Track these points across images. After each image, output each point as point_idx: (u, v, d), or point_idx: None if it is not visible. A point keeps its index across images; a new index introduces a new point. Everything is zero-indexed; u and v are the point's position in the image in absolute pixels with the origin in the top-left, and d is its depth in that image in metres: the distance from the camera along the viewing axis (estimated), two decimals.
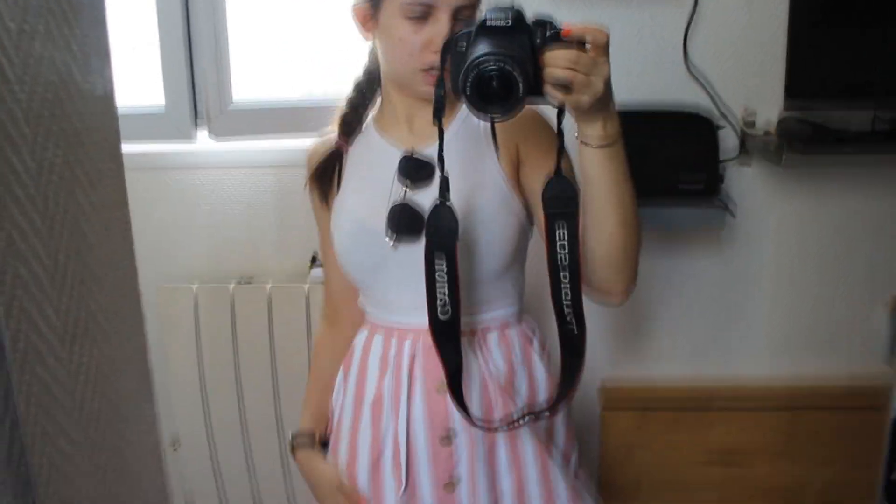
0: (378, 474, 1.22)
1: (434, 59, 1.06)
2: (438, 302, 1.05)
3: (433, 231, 1.04)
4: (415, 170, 1.17)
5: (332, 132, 1.28)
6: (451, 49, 0.97)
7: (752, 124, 1.70)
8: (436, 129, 1.06)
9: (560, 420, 1.27)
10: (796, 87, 1.58)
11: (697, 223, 1.57)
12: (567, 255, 1.02)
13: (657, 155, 1.53)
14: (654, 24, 1.69)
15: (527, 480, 1.22)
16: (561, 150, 1.01)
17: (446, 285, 1.04)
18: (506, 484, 1.20)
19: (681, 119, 1.59)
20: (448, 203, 1.03)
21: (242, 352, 1.89)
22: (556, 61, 0.91)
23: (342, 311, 1.36)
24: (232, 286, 1.88)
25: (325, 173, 1.27)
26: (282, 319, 1.85)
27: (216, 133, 1.87)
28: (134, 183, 1.93)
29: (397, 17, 1.10)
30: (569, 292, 1.04)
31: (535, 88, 0.92)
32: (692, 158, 1.56)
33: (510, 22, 0.93)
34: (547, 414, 1.12)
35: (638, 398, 1.85)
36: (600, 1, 1.69)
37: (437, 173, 1.04)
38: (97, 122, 0.68)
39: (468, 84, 0.90)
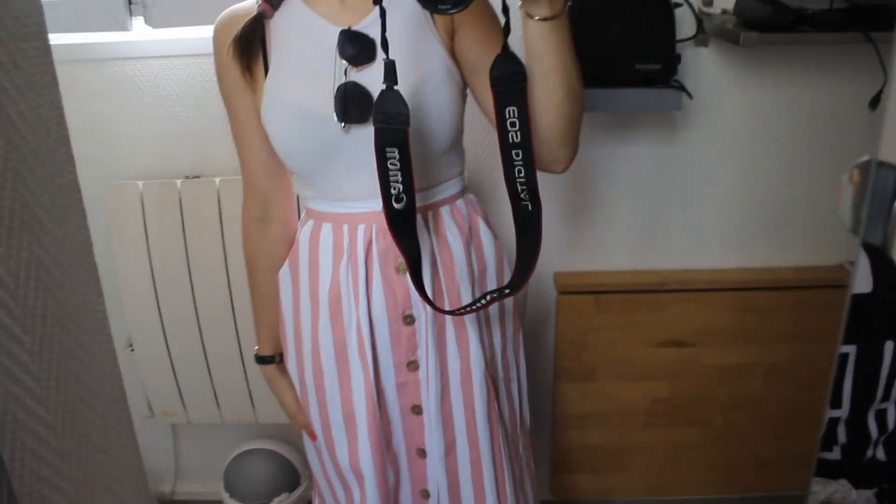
0: (344, 364, 1.22)
1: None
2: (392, 191, 1.02)
3: (381, 119, 0.99)
4: (355, 47, 1.10)
5: (242, 4, 1.19)
6: None
7: (709, 3, 1.66)
8: (367, 3, 1.04)
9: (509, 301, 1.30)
10: None
11: (654, 106, 1.54)
12: (519, 133, 1.01)
13: (614, 37, 1.49)
14: None
15: (495, 356, 1.29)
16: (507, 28, 0.98)
17: (399, 173, 1.01)
18: (454, 361, 1.23)
19: None
20: (395, 87, 0.98)
21: (192, 248, 1.85)
22: None
23: (272, 206, 1.29)
24: (180, 182, 1.82)
25: (248, 43, 1.16)
26: (231, 214, 1.80)
27: (152, 21, 1.77)
28: (72, 77, 1.86)
29: None
30: (522, 170, 1.03)
31: None
32: (648, 40, 1.52)
33: None
34: (508, 291, 1.10)
35: (593, 283, 1.87)
36: None
37: (381, 51, 0.99)
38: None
39: None
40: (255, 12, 1.16)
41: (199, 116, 1.83)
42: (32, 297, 0.66)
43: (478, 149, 1.76)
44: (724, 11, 1.65)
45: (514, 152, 1.02)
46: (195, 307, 1.90)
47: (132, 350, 1.97)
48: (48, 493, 0.67)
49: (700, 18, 1.66)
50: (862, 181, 0.67)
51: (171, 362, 1.96)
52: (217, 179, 1.81)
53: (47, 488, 0.67)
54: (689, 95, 1.60)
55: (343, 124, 1.10)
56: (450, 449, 1.26)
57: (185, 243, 1.85)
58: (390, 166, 1.01)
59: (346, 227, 1.18)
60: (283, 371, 1.35)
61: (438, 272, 1.20)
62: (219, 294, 1.88)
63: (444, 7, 0.89)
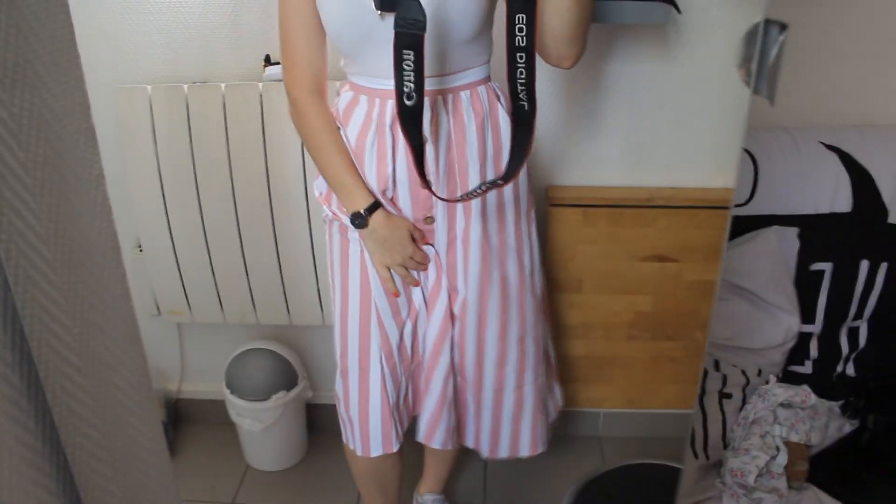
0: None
1: None
2: (405, 89, 1.17)
3: (402, 23, 1.13)
4: None
5: None
6: None
7: None
8: None
9: (523, 182, 1.49)
10: None
11: (643, 17, 1.58)
12: (524, 38, 1.14)
13: None
14: None
15: (505, 228, 1.48)
16: None
17: (413, 73, 1.16)
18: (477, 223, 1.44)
19: None
20: None
21: (199, 153, 1.92)
22: None
23: (320, 78, 1.42)
24: (187, 87, 1.88)
25: None
26: (236, 120, 1.87)
27: None
28: None
29: None
30: (524, 72, 1.17)
31: None
32: None
33: None
34: (501, 182, 1.25)
35: (582, 196, 1.93)
36: None
37: None
38: None
39: None
40: None
41: (206, 24, 1.88)
42: (34, 145, 0.73)
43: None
44: None
45: (518, 55, 1.15)
46: (201, 210, 1.97)
47: (141, 250, 2.06)
48: (47, 320, 0.75)
49: None
50: (751, 39, 0.73)
51: (178, 263, 2.04)
52: (223, 85, 1.87)
53: (47, 316, 0.75)
54: (678, 9, 1.63)
55: (379, 12, 1.23)
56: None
57: (192, 147, 1.91)
58: (405, 66, 1.15)
59: (377, 101, 1.35)
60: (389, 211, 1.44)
61: (452, 150, 1.36)
62: (224, 198, 1.95)
63: None
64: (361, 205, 1.38)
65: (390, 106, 1.33)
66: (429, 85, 1.27)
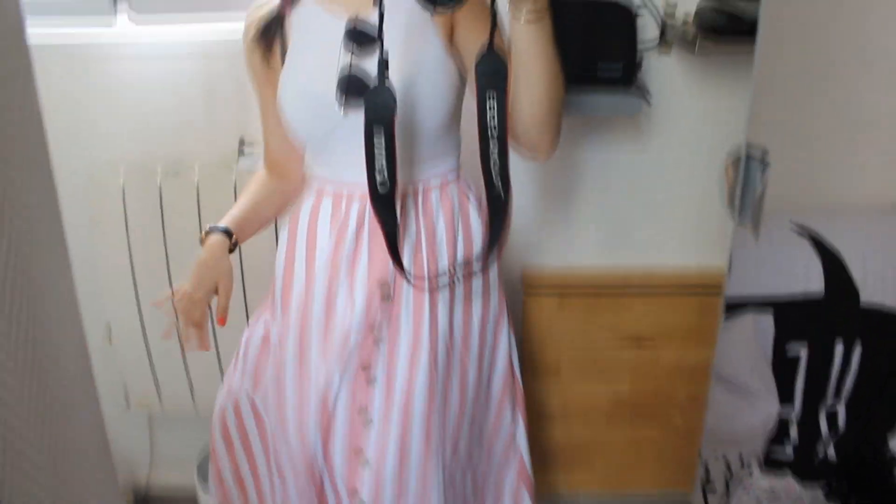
0: (332, 312, 1.33)
1: None
2: (377, 177, 1.14)
3: (371, 109, 1.11)
4: (360, 39, 1.23)
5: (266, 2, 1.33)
6: None
7: (672, 14, 1.73)
8: None
9: (493, 281, 1.40)
10: None
11: (615, 110, 1.61)
12: (496, 123, 1.11)
13: (577, 42, 1.55)
14: None
15: (471, 330, 1.38)
16: (493, 27, 1.08)
17: (384, 159, 1.13)
18: (445, 332, 1.33)
19: (601, 7, 1.60)
20: (386, 83, 1.09)
21: (171, 240, 1.90)
22: None
23: (282, 167, 1.44)
24: (159, 174, 1.87)
25: (267, 34, 1.31)
26: (210, 208, 1.86)
27: (136, 9, 1.81)
28: (57, 68, 1.91)
29: None
30: (496, 159, 1.13)
31: None
32: (611, 46, 1.59)
33: None
34: (476, 269, 1.25)
35: (557, 283, 1.93)
36: None
37: (386, 37, 1.09)
38: None
39: None
40: (275, 8, 1.30)
41: (182, 110, 1.88)
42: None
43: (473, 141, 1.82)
44: (685, 22, 1.72)
45: (491, 142, 1.12)
46: (172, 297, 1.94)
47: (110, 342, 2.01)
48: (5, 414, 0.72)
49: (663, 26, 1.72)
50: (735, 170, 0.73)
51: (149, 353, 2.00)
52: (196, 173, 1.86)
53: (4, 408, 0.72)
54: (648, 101, 1.66)
55: (343, 108, 1.22)
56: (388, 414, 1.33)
57: (164, 233, 1.90)
58: (376, 153, 1.12)
59: (343, 201, 1.31)
60: (227, 245, 1.43)
61: (421, 250, 1.30)
62: None
63: (441, 9, 1.00)
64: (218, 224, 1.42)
65: (356, 207, 1.30)
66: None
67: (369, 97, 1.10)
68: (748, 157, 0.71)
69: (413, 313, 1.30)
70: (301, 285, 1.35)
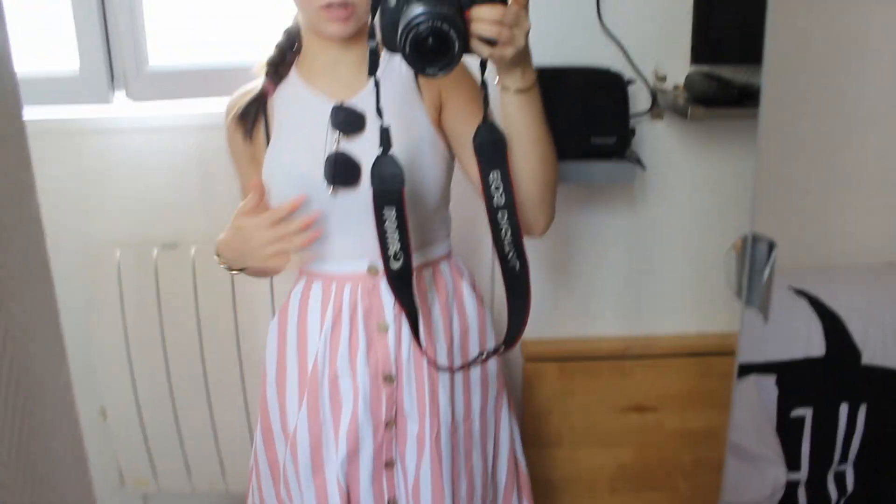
0: (326, 426, 1.29)
1: None
2: (390, 250, 1.12)
3: (378, 181, 1.09)
4: (346, 120, 1.21)
5: (254, 83, 1.31)
6: (382, 2, 1.01)
7: (663, 79, 1.75)
8: (361, 78, 1.17)
9: (492, 363, 1.37)
10: (702, 47, 1.65)
11: (610, 178, 1.62)
12: (503, 196, 1.10)
13: (570, 112, 1.57)
14: None
15: (471, 415, 1.34)
16: (486, 100, 1.09)
17: (397, 233, 1.11)
18: (447, 416, 1.29)
19: (592, 76, 1.63)
20: (390, 151, 1.08)
21: (167, 317, 1.88)
22: (484, 16, 0.98)
23: None
24: (156, 251, 1.87)
25: (251, 116, 1.28)
26: (206, 284, 1.85)
27: (133, 95, 1.85)
28: (52, 148, 1.93)
29: None
30: (508, 230, 1.12)
31: (464, 44, 0.98)
32: (603, 115, 1.61)
33: None
34: (503, 349, 1.19)
35: (558, 350, 1.91)
36: None
37: (370, 119, 1.12)
38: None
39: (407, 43, 0.96)
40: (259, 90, 1.28)
41: (178, 187, 1.89)
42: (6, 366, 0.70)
43: (465, 214, 1.82)
44: (676, 87, 1.74)
45: (499, 214, 1.11)
46: (168, 374, 1.92)
47: (105, 419, 1.98)
48: None
49: (654, 93, 1.75)
50: (742, 252, 0.73)
51: (143, 429, 1.97)
52: (192, 248, 1.86)
53: None
54: (643, 167, 1.67)
55: (332, 189, 1.19)
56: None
57: (160, 310, 1.88)
58: (387, 226, 1.10)
59: (334, 286, 1.27)
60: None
61: (419, 332, 1.24)
62: (192, 362, 1.91)
63: (430, 71, 0.99)
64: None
65: (348, 291, 1.27)
66: None
67: (375, 168, 1.08)
68: (755, 240, 0.71)
69: (416, 397, 1.28)
70: (295, 380, 1.31)
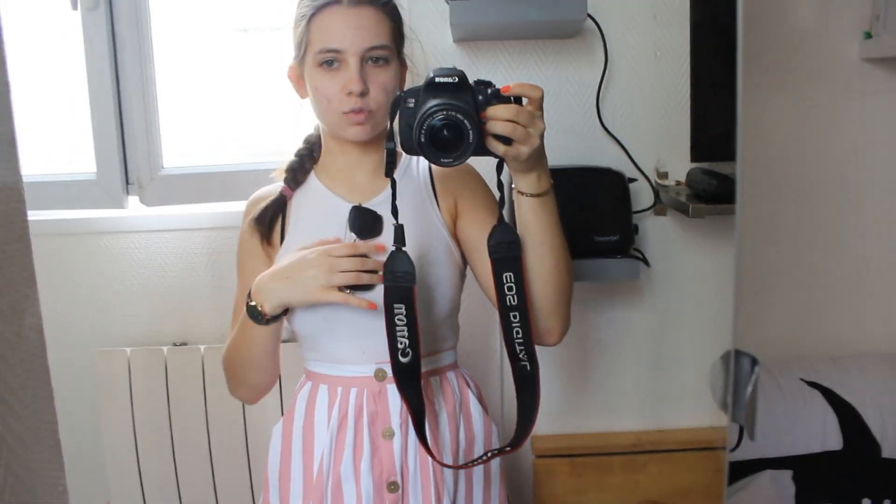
0: None
1: (351, 101, 1.17)
2: (399, 345, 1.12)
3: (390, 276, 1.11)
4: (363, 222, 1.23)
5: (273, 186, 1.33)
6: (401, 105, 1.05)
7: (664, 175, 1.78)
8: (378, 183, 1.22)
9: (494, 472, 1.35)
10: (701, 145, 1.68)
11: (615, 275, 1.63)
12: (515, 297, 1.11)
13: (573, 211, 1.59)
14: (570, 86, 1.78)
15: None
16: (503, 201, 1.11)
17: (406, 328, 1.12)
18: None
19: (594, 176, 1.66)
20: (404, 248, 1.11)
21: (176, 415, 1.89)
22: (499, 115, 1.01)
23: None
24: (166, 349, 1.89)
25: (269, 217, 1.29)
26: (216, 381, 1.85)
27: (147, 201, 1.90)
28: (67, 248, 1.98)
29: (314, 69, 1.20)
30: (520, 331, 1.13)
31: (479, 142, 1.01)
32: (606, 214, 1.63)
33: (456, 79, 1.02)
34: (508, 449, 1.17)
35: (568, 445, 1.89)
36: (518, 65, 1.78)
37: (387, 223, 1.14)
38: (3, 209, 0.71)
39: (422, 132, 1.00)
40: (279, 193, 1.30)
41: (187, 287, 1.92)
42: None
43: (474, 326, 1.83)
44: (678, 183, 1.77)
45: (511, 315, 1.12)
46: (176, 474, 1.91)
47: None
48: None
49: (657, 190, 1.77)
50: (725, 369, 0.73)
51: None
52: (202, 347, 1.88)
53: None
54: (647, 263, 1.69)
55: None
56: None
57: (169, 408, 1.89)
58: (397, 322, 1.11)
59: (339, 390, 1.26)
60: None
61: (425, 431, 1.23)
62: (201, 460, 1.90)
63: (445, 161, 1.01)
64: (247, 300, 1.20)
65: (354, 394, 1.25)
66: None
67: (387, 264, 1.11)
68: (738, 355, 0.71)
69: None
70: (300, 485, 1.29)
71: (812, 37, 2.12)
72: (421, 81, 1.04)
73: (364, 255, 1.17)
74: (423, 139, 1.00)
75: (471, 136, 0.99)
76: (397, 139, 1.08)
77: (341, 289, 1.14)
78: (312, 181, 1.31)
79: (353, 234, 1.23)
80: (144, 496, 1.93)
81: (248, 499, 1.88)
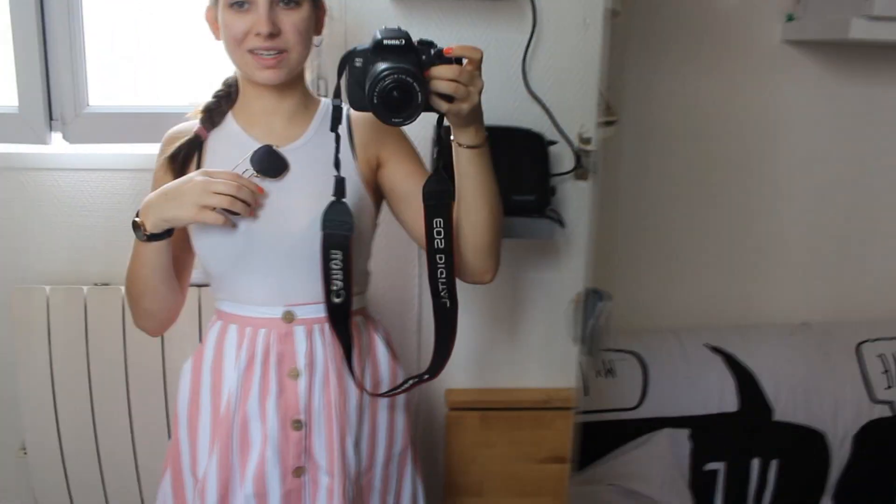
0: (234, 467, 1.31)
1: (256, 42, 1.19)
2: (333, 287, 1.21)
3: (330, 224, 1.19)
4: (268, 162, 1.26)
5: (189, 124, 1.34)
6: (349, 62, 1.13)
7: (588, 141, 1.82)
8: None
9: (399, 422, 1.41)
10: None
11: (529, 234, 1.67)
12: (443, 240, 1.21)
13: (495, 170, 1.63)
14: (499, 47, 1.80)
15: (373, 467, 1.38)
16: (441, 153, 1.20)
17: (341, 272, 1.21)
18: (352, 466, 1.33)
19: (515, 136, 1.69)
20: (343, 200, 1.19)
21: (94, 356, 1.89)
22: (442, 75, 1.09)
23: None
24: (86, 289, 1.88)
25: (182, 156, 1.30)
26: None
27: (71, 137, 1.88)
28: None
29: (226, 10, 1.22)
30: (444, 271, 1.23)
31: (426, 97, 1.08)
32: (525, 174, 1.67)
33: (403, 42, 1.11)
34: (427, 377, 1.29)
35: (480, 399, 1.94)
36: (450, 24, 1.79)
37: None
38: None
39: (375, 95, 1.06)
40: (193, 133, 1.32)
41: (111, 228, 1.91)
42: None
43: (394, 271, 1.86)
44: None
45: (438, 256, 1.22)
46: (93, 413, 1.92)
47: (25, 453, 1.96)
48: None
49: (578, 155, 1.82)
50: (579, 304, 0.79)
51: (65, 467, 1.95)
52: (123, 288, 1.87)
53: None
54: (563, 225, 1.74)
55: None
56: None
57: (88, 348, 1.89)
58: (332, 266, 1.20)
59: (248, 330, 1.30)
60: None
61: (329, 385, 1.31)
62: (117, 401, 1.91)
63: (396, 121, 1.08)
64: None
65: (262, 335, 1.28)
66: (305, 313, 1.28)
67: (328, 211, 1.19)
68: (588, 292, 0.77)
69: (326, 446, 1.31)
70: (207, 421, 1.32)
71: (737, 18, 2.19)
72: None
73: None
74: (375, 101, 1.07)
75: (419, 97, 1.06)
76: (344, 96, 1.16)
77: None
78: (229, 123, 1.33)
79: (250, 170, 1.25)
80: (60, 436, 1.93)
81: (164, 438, 1.90)
